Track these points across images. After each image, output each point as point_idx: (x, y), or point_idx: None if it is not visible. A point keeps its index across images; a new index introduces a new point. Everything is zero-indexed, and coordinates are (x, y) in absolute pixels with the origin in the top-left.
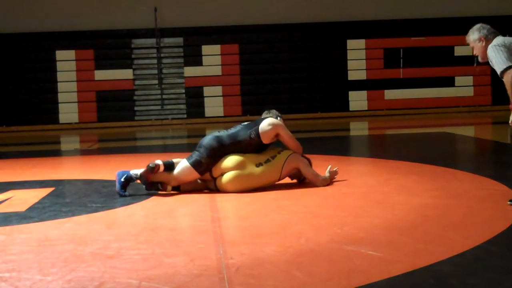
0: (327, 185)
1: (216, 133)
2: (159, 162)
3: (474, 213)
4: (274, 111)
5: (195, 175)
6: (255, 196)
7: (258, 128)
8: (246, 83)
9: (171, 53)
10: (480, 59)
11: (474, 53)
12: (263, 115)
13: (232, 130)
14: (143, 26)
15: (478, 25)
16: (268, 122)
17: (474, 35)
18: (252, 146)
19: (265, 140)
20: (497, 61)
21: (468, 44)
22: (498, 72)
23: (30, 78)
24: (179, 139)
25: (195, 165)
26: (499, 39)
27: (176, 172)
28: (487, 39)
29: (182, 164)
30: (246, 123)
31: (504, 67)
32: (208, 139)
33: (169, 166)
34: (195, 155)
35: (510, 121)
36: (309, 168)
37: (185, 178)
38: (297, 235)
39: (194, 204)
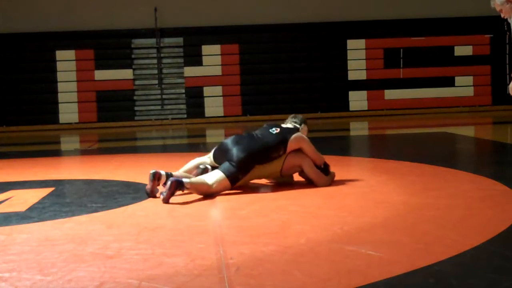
0: (328, 185)
1: (242, 140)
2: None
3: (474, 213)
4: (300, 116)
5: (228, 188)
6: (255, 196)
7: (287, 145)
8: (246, 83)
9: (171, 53)
10: (510, 21)
11: (503, 16)
12: (289, 119)
13: (262, 138)
14: (143, 26)
15: None
16: (295, 137)
17: None
18: (275, 157)
19: (287, 152)
20: None
21: (497, 12)
22: None
23: (30, 78)
24: (179, 139)
25: (233, 180)
26: None
27: (212, 183)
28: None
29: (217, 175)
30: (273, 130)
31: None
32: (238, 153)
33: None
34: (232, 169)
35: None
36: (313, 168)
37: (221, 190)
38: (297, 235)
39: (194, 204)
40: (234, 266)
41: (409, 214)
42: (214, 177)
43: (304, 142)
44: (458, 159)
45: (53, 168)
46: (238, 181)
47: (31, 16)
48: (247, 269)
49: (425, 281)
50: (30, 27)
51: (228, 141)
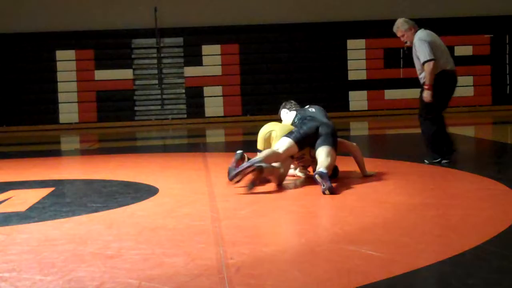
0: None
1: (316, 119)
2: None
3: (474, 213)
4: (293, 102)
5: (295, 150)
6: (255, 196)
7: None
8: (246, 83)
9: (171, 53)
10: (409, 43)
11: (404, 40)
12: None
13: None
14: (143, 26)
15: (402, 19)
16: None
17: (404, 26)
18: None
19: None
20: (422, 53)
21: (399, 36)
22: (421, 61)
23: (30, 78)
24: (179, 139)
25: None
26: (423, 33)
27: (283, 147)
28: (414, 27)
29: (285, 141)
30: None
31: (427, 59)
32: (310, 126)
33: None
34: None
35: (425, 97)
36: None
37: (290, 153)
38: (297, 235)
39: (194, 204)
40: (234, 266)
41: (409, 214)
42: (281, 142)
43: None
44: (458, 159)
45: (53, 168)
46: (303, 144)
47: (31, 16)
48: (247, 269)
49: (425, 281)
50: (30, 27)
51: (315, 111)
